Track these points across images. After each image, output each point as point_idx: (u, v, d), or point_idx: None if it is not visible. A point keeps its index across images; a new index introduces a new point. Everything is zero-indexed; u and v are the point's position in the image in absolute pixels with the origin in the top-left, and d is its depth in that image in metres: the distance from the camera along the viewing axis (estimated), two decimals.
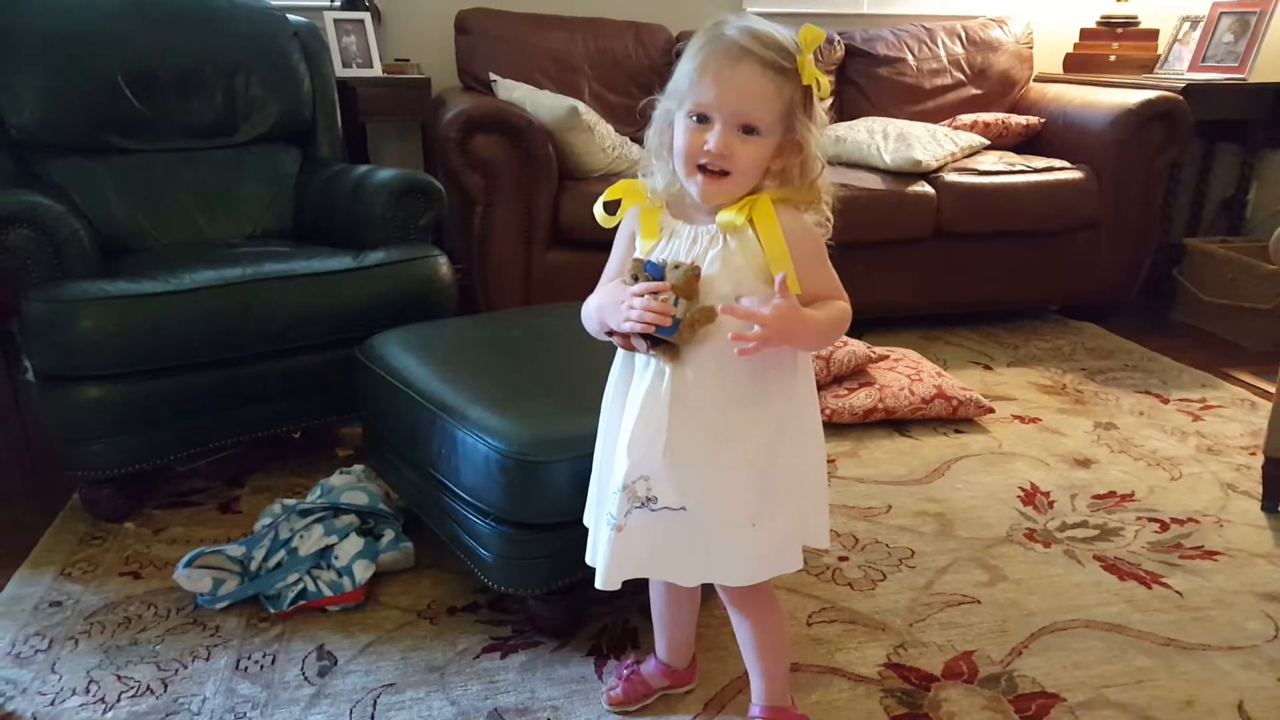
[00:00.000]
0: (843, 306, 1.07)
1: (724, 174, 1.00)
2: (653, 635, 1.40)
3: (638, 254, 1.08)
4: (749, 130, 0.98)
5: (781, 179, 1.03)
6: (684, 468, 1.06)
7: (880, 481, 2.07)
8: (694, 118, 0.99)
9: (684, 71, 1.00)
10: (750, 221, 1.01)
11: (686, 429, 1.05)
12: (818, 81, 0.99)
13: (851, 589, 1.67)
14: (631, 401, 1.08)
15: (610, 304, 1.06)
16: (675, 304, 1.01)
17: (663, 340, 1.02)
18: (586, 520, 1.25)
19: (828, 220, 1.07)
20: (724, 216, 1.02)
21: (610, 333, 1.07)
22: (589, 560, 1.20)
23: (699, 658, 1.43)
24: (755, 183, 1.03)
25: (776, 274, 0.99)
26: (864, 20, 3.58)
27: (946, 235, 2.92)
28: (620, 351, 1.13)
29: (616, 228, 1.15)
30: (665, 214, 1.09)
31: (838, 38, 3.37)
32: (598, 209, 1.12)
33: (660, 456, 1.05)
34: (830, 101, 3.60)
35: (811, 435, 1.14)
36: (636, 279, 1.04)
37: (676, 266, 1.02)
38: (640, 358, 1.08)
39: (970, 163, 2.99)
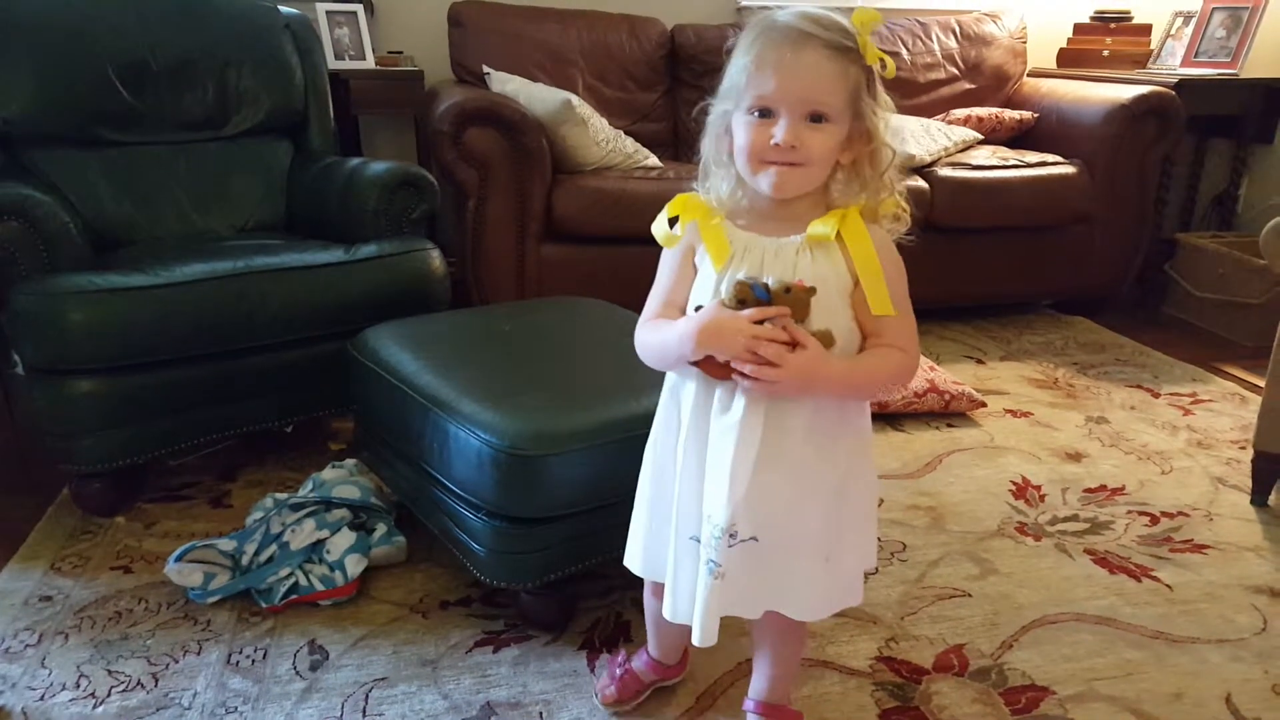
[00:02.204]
0: (898, 361, 0.98)
1: (796, 164, 0.94)
2: (643, 627, 1.40)
3: (705, 274, 1.00)
4: (817, 118, 0.92)
5: (854, 173, 0.98)
6: (763, 499, 0.99)
7: None
8: (756, 113, 0.93)
9: (739, 67, 0.94)
10: (839, 237, 0.95)
11: (771, 458, 0.98)
12: (882, 61, 0.93)
13: None
14: (721, 438, 0.99)
15: (717, 330, 0.94)
16: None
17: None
18: (643, 570, 1.16)
19: (904, 212, 1.00)
20: (817, 229, 0.95)
21: (699, 362, 0.97)
22: (669, 615, 1.09)
23: (689, 650, 1.42)
24: (827, 175, 0.98)
25: (871, 300, 0.94)
26: None
27: (939, 230, 2.92)
28: (689, 385, 1.03)
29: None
30: (730, 227, 1.00)
31: None
32: (659, 228, 1.02)
33: (746, 488, 0.99)
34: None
35: (873, 470, 1.10)
36: (744, 303, 0.94)
37: (787, 289, 0.94)
38: (723, 388, 0.99)
39: (963, 157, 2.99)
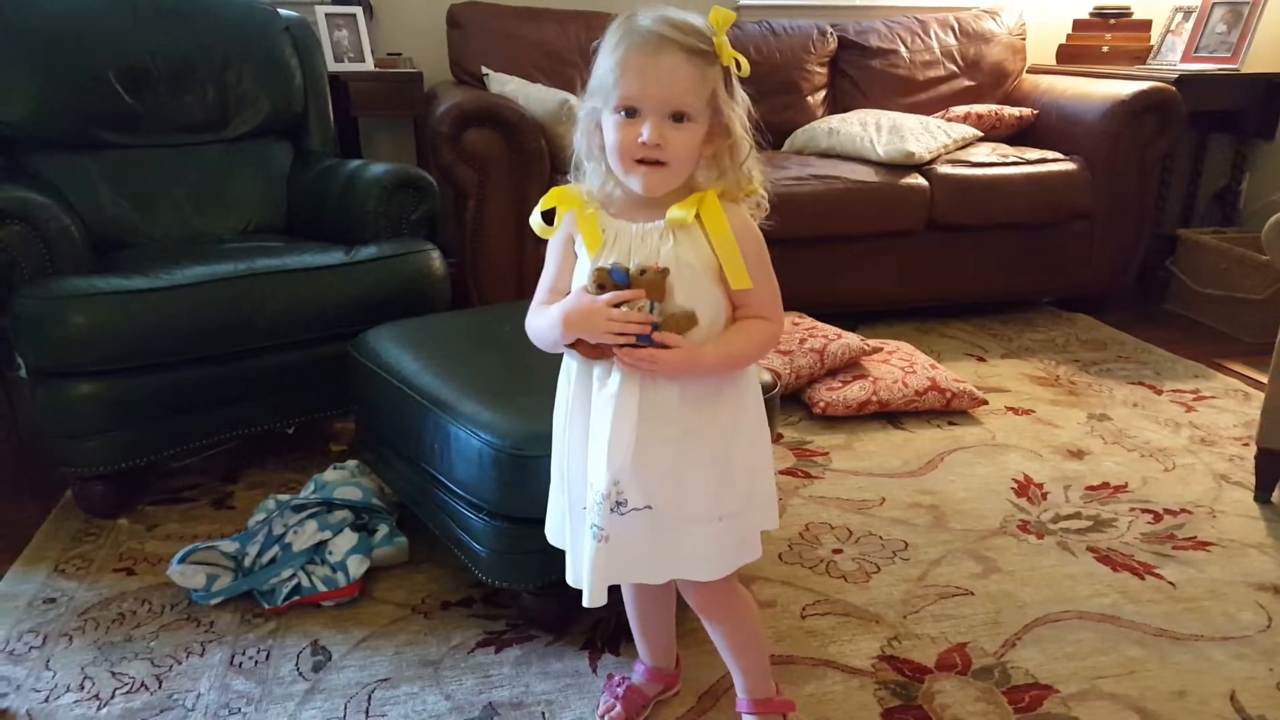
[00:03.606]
0: (764, 331, 1.06)
1: (662, 163, 1.00)
2: None
3: (583, 260, 1.06)
4: (679, 118, 0.98)
5: (715, 165, 1.04)
6: (648, 468, 1.05)
7: (874, 474, 2.08)
8: (623, 113, 0.98)
9: (606, 68, 0.98)
10: (698, 219, 1.02)
11: (652, 430, 1.05)
12: (737, 61, 1.00)
13: (845, 581, 1.67)
14: (600, 410, 1.06)
15: (582, 315, 1.02)
16: (652, 310, 1.00)
17: (639, 347, 1.01)
18: (555, 539, 1.21)
19: (763, 198, 1.07)
20: (674, 213, 1.01)
21: (574, 344, 1.05)
22: (571, 581, 1.16)
23: (683, 655, 1.42)
24: (691, 170, 1.03)
25: (730, 276, 1.01)
26: (857, 12, 3.58)
27: (939, 227, 2.93)
28: (573, 364, 1.10)
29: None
30: (603, 215, 1.06)
31: (830, 30, 3.36)
32: (535, 220, 1.10)
33: (630, 459, 1.05)
34: (824, 93, 3.59)
35: (762, 427, 1.15)
36: (603, 288, 1.01)
37: (643, 271, 1.01)
38: (600, 366, 1.06)
39: (963, 154, 2.99)
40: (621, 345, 1.00)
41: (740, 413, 1.11)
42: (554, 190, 1.09)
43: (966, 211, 2.92)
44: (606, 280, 1.01)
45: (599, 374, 1.07)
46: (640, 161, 0.99)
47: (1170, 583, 1.68)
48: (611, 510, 1.06)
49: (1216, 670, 1.46)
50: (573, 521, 1.14)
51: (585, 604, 1.10)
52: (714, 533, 1.10)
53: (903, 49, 3.38)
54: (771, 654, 1.46)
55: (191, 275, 1.85)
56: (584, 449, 1.09)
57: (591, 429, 1.08)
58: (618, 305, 1.00)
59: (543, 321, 1.08)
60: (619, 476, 1.05)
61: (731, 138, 1.02)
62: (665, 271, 1.01)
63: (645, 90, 0.97)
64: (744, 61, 1.00)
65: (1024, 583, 1.68)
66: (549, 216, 1.10)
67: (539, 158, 2.59)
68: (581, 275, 1.07)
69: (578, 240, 1.07)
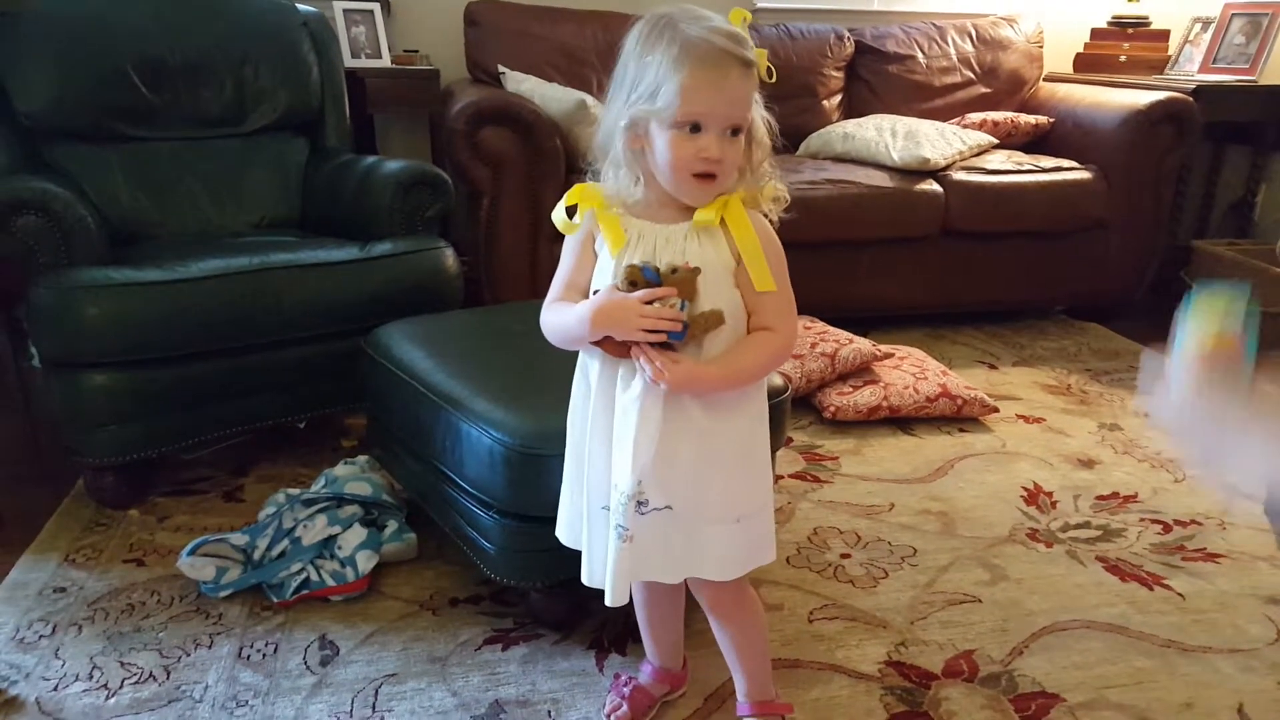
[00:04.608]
0: (770, 344, 1.05)
1: (715, 175, 1.00)
2: None
3: (604, 260, 1.06)
4: (736, 131, 0.99)
5: (739, 168, 1.04)
6: (670, 469, 1.06)
7: (883, 479, 2.07)
8: (683, 127, 0.97)
9: (669, 83, 0.95)
10: (722, 222, 1.02)
11: (674, 430, 1.05)
12: (770, 70, 1.01)
13: (853, 586, 1.67)
14: (626, 409, 1.06)
15: (613, 311, 1.01)
16: (682, 308, 1.00)
17: (667, 346, 1.01)
18: (566, 539, 1.21)
19: (781, 192, 1.07)
20: (702, 215, 1.02)
21: (600, 342, 1.04)
22: (586, 580, 1.16)
23: (690, 656, 1.42)
24: (735, 178, 1.04)
25: (754, 277, 1.02)
26: (874, 17, 3.57)
27: (953, 234, 2.92)
28: (594, 365, 1.10)
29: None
30: (625, 215, 1.06)
31: (847, 34, 3.36)
32: (558, 215, 1.10)
33: (652, 459, 1.05)
34: (840, 97, 3.58)
35: (768, 434, 1.16)
36: (635, 285, 1.01)
37: (674, 270, 1.01)
38: (624, 366, 1.06)
39: (978, 161, 2.98)
40: (651, 343, 1.00)
41: (757, 417, 1.12)
42: (577, 186, 1.09)
43: (981, 218, 2.91)
44: (639, 277, 1.01)
45: (623, 375, 1.07)
46: (695, 174, 0.99)
47: (1179, 594, 1.68)
48: (635, 510, 1.06)
49: (1224, 682, 1.45)
50: (590, 522, 1.14)
51: (608, 603, 1.10)
52: (731, 533, 1.11)
53: (920, 55, 3.37)
54: (778, 657, 1.46)
55: (206, 268, 1.86)
56: (606, 450, 1.09)
57: (615, 430, 1.08)
58: (648, 303, 1.00)
59: (566, 318, 1.06)
60: (643, 476, 1.05)
61: (761, 145, 1.03)
62: (697, 270, 1.01)
63: (713, 109, 0.96)
64: (774, 70, 1.01)
65: (1032, 591, 1.67)
66: (570, 212, 1.10)
67: (554, 157, 2.59)
68: (602, 275, 1.06)
69: (599, 239, 1.07)
